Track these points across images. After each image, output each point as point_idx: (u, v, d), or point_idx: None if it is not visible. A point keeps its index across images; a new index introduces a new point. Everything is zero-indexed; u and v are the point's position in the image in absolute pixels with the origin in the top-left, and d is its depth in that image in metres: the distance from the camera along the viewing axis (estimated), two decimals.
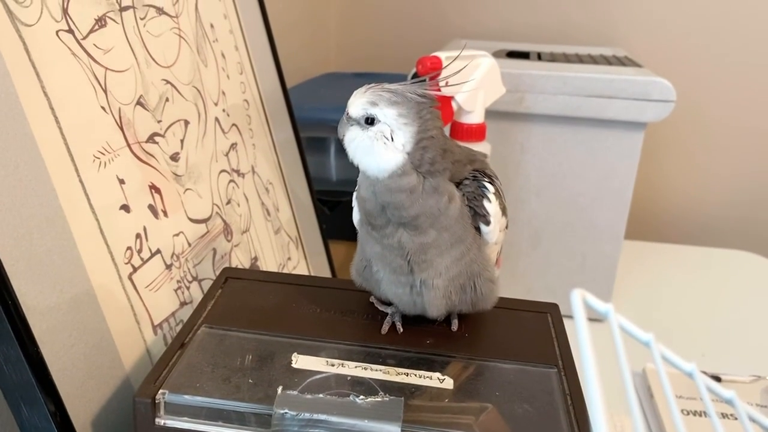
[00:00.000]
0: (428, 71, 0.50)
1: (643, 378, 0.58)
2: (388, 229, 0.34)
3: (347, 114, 0.34)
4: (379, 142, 0.33)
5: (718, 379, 0.57)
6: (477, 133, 0.54)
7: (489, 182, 0.36)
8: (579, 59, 0.73)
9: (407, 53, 1.00)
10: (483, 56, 0.54)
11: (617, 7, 0.98)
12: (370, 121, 0.33)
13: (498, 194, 0.36)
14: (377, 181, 0.33)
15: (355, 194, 0.37)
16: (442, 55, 0.50)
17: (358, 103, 0.33)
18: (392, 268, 0.35)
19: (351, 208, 0.38)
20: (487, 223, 0.35)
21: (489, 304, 0.38)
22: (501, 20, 1.03)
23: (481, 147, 0.55)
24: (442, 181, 0.34)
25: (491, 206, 0.35)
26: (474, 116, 0.53)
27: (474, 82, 0.52)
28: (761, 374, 0.59)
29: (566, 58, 0.73)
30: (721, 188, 1.03)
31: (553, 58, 0.73)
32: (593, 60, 0.73)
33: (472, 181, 0.35)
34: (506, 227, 0.38)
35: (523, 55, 0.75)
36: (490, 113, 0.55)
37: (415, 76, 0.62)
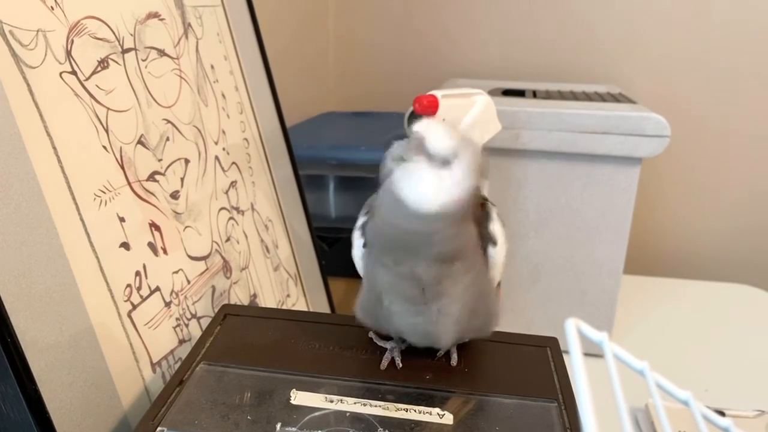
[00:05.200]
0: (425, 109, 0.51)
1: (645, 414, 0.58)
2: (408, 260, 0.33)
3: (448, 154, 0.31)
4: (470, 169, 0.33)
5: (722, 413, 0.57)
6: None
7: (492, 205, 0.36)
8: (574, 96, 0.74)
9: (404, 92, 1.02)
10: (479, 94, 0.55)
11: (611, 45, 0.99)
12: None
13: (500, 218, 0.36)
14: (438, 213, 0.31)
15: (358, 233, 0.37)
16: (439, 93, 0.51)
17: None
18: (406, 297, 0.34)
19: (350, 245, 0.38)
20: (495, 243, 0.35)
21: (493, 327, 0.37)
22: (496, 59, 1.05)
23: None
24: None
25: (497, 227, 0.35)
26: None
27: (470, 118, 0.53)
28: (765, 409, 0.58)
29: (561, 96, 0.74)
30: (719, 222, 1.03)
31: (548, 95, 0.74)
32: (588, 97, 0.74)
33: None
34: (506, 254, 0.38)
35: (519, 93, 0.76)
36: (486, 150, 0.56)
37: (411, 114, 0.63)
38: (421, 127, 0.32)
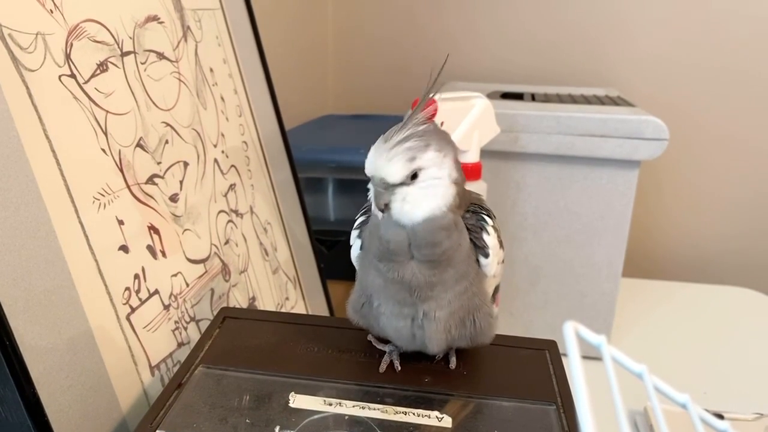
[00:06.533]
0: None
1: (644, 417, 0.58)
2: (398, 265, 0.33)
3: (384, 182, 0.32)
4: (433, 187, 0.32)
5: (720, 416, 0.57)
6: (473, 172, 0.54)
7: (487, 215, 0.36)
8: (572, 99, 0.74)
9: (403, 95, 1.02)
10: (478, 97, 0.55)
11: (609, 48, 1.00)
12: (414, 176, 0.32)
13: (495, 228, 0.36)
14: (419, 221, 0.32)
15: (356, 232, 0.37)
16: (438, 96, 0.51)
17: (395, 169, 0.31)
18: (395, 300, 0.34)
19: (349, 248, 0.38)
20: (486, 255, 0.35)
21: (488, 339, 0.37)
22: (495, 63, 1.05)
23: (477, 186, 0.55)
24: (459, 215, 0.34)
25: (490, 239, 0.35)
26: (470, 156, 0.54)
27: (468, 121, 0.53)
28: (764, 412, 0.58)
29: (560, 99, 0.74)
30: (718, 225, 1.03)
31: (547, 98, 0.74)
32: (586, 100, 0.74)
33: (473, 214, 0.35)
34: (503, 261, 0.38)
35: (518, 96, 0.76)
36: (485, 153, 0.56)
37: None
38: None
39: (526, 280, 0.70)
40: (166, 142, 0.45)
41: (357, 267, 0.38)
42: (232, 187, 0.54)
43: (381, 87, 1.11)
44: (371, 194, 0.33)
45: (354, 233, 0.37)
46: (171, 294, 0.43)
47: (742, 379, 0.68)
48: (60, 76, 0.36)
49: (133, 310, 0.39)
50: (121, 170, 0.40)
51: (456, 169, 0.34)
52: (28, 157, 0.33)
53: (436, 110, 0.51)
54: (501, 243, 0.37)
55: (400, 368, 0.37)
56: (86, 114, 0.38)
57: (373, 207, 0.33)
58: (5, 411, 0.30)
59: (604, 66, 1.00)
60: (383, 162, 0.32)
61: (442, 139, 0.33)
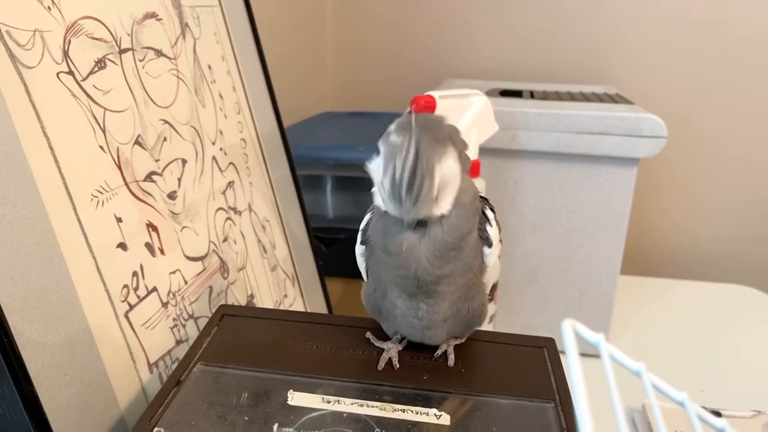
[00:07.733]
0: (422, 110, 0.51)
1: (642, 414, 0.58)
2: (407, 259, 0.33)
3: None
4: (453, 182, 0.32)
5: (718, 414, 0.57)
6: (471, 169, 0.54)
7: (489, 208, 0.36)
8: (571, 97, 0.74)
9: (402, 92, 1.02)
10: (476, 95, 0.55)
11: (608, 46, 1.00)
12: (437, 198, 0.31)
13: (497, 220, 0.36)
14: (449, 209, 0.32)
15: (367, 231, 0.37)
16: (436, 94, 0.51)
17: (426, 213, 0.31)
18: (408, 294, 0.35)
19: (347, 245, 0.38)
20: (490, 245, 0.35)
21: (479, 324, 0.38)
22: (494, 60, 1.05)
23: (475, 184, 0.55)
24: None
25: (492, 230, 0.35)
26: (468, 153, 0.54)
27: (467, 119, 0.53)
28: (761, 409, 0.58)
29: (558, 96, 0.74)
30: (717, 222, 1.03)
31: (546, 96, 0.74)
32: (585, 97, 0.74)
33: None
34: (500, 256, 0.38)
35: (516, 94, 0.76)
36: (484, 150, 0.56)
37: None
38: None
39: (524, 277, 0.70)
40: (165, 139, 0.45)
41: (361, 264, 0.38)
42: (230, 184, 0.54)
43: (380, 84, 1.10)
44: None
45: (360, 234, 0.37)
46: (169, 291, 0.43)
47: (740, 377, 0.68)
48: (58, 73, 0.36)
49: (131, 307, 0.39)
50: (120, 167, 0.40)
51: (452, 135, 0.33)
52: (26, 154, 0.33)
53: (433, 106, 0.51)
54: (500, 238, 0.37)
55: (398, 366, 0.37)
56: (84, 111, 0.38)
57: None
58: (3, 409, 0.30)
59: (602, 63, 1.00)
60: (413, 216, 0.31)
61: (432, 137, 0.31)
